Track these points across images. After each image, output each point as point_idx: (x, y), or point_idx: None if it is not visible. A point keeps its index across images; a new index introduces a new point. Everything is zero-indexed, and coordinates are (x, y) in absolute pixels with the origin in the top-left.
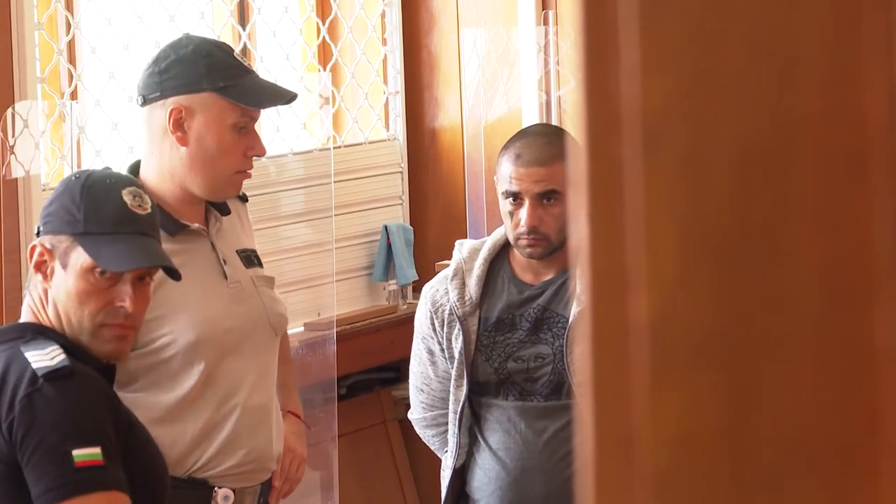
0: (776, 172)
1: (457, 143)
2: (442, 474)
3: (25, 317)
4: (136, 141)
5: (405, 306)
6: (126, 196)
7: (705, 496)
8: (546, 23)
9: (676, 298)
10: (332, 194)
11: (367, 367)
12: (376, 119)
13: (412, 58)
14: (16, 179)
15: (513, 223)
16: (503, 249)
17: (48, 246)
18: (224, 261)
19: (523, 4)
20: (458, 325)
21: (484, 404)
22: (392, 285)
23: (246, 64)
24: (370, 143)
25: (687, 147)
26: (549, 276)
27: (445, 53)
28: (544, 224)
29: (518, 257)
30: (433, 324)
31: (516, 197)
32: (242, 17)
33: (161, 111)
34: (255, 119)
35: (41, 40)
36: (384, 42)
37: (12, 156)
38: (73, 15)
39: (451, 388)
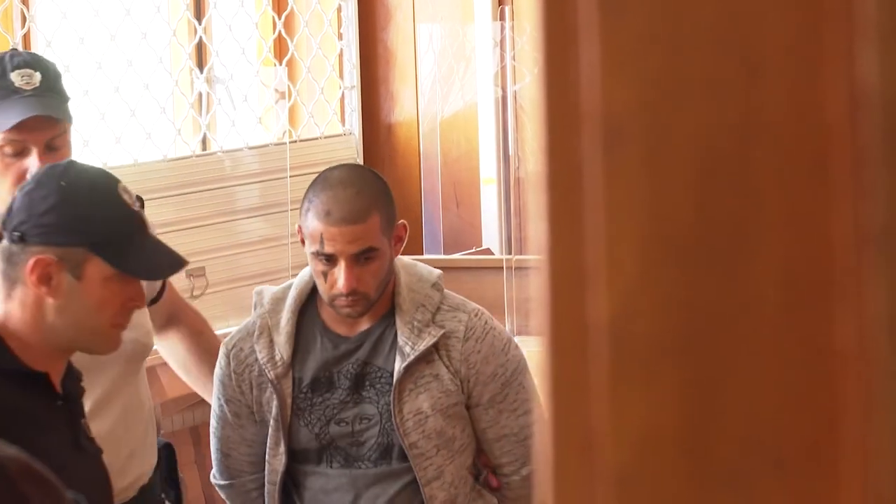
0: (738, 172)
1: (412, 137)
2: None
3: None
4: (91, 135)
5: None
6: (124, 195)
7: (667, 496)
8: (502, 18)
9: (637, 297)
10: (288, 188)
11: None
12: (332, 114)
13: (368, 53)
14: None
15: (327, 284)
16: (311, 297)
17: (55, 258)
18: None
19: (479, 0)
20: (269, 389)
21: (308, 473)
22: None
23: (17, 85)
24: (326, 137)
25: (648, 145)
26: (365, 327)
27: (401, 48)
28: (362, 283)
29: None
30: (240, 386)
31: (329, 257)
32: (198, 11)
33: None
34: (28, 141)
35: None
36: (340, 37)
37: None
38: (28, 8)
39: (267, 458)
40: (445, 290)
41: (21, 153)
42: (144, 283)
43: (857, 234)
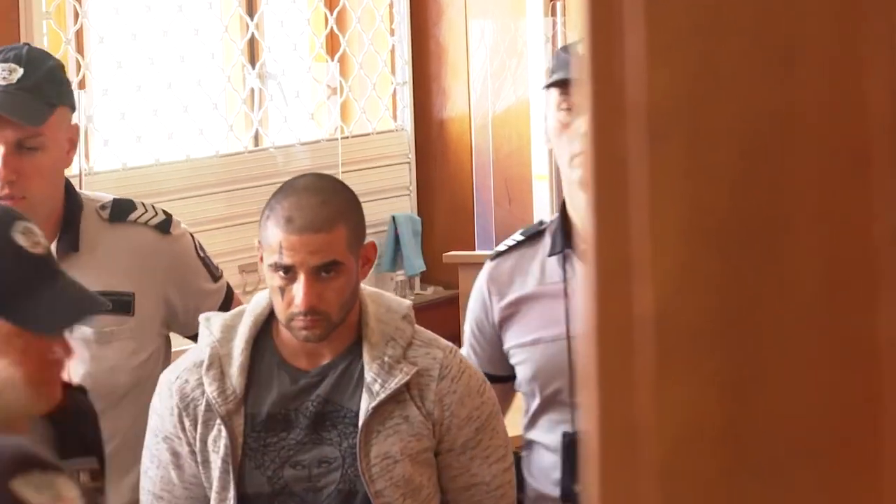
0: (780, 163)
1: (464, 133)
2: None
3: None
4: (143, 131)
5: (413, 297)
6: (20, 239)
7: (708, 486)
8: (554, 14)
9: (681, 289)
10: None
11: None
12: (384, 109)
13: (420, 48)
14: None
15: (284, 301)
16: (267, 325)
17: None
18: None
19: None
20: (218, 426)
21: None
22: (400, 276)
23: None
24: (378, 133)
25: (691, 137)
26: (327, 360)
27: (453, 44)
28: (323, 301)
29: (286, 335)
30: (182, 422)
31: (288, 270)
32: (251, 7)
33: None
34: None
35: (49, 29)
36: (392, 32)
37: None
38: (81, 4)
39: (213, 502)
40: (415, 325)
41: None
42: (209, 304)
43: None
